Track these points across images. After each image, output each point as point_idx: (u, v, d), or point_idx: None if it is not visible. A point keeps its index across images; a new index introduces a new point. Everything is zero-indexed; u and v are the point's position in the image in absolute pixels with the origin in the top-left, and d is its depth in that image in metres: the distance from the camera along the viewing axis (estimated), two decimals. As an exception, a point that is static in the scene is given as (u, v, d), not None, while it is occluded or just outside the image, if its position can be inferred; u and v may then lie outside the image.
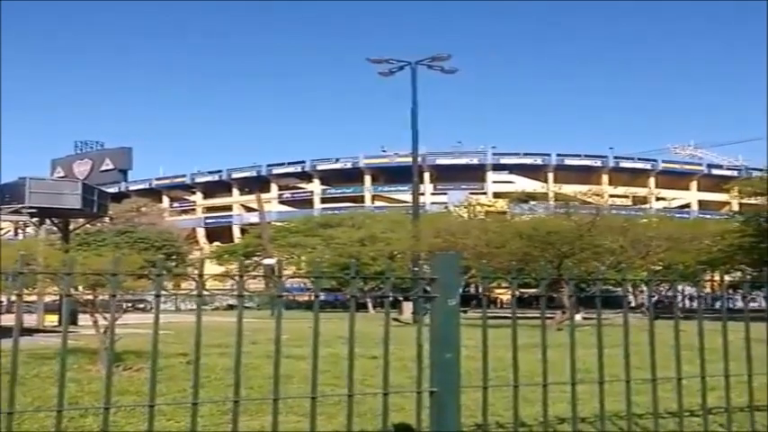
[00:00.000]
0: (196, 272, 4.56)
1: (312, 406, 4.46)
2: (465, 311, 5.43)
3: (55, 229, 39.82)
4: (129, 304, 15.78)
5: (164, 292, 4.46)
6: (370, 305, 51.20)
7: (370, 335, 9.11)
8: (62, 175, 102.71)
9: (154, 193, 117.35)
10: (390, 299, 5.02)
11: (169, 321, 23.60)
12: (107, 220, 67.21)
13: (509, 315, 5.37)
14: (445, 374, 4.56)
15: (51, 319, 31.88)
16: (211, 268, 71.49)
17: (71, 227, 41.35)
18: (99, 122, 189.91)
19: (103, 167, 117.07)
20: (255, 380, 10.67)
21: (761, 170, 59.90)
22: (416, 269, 38.77)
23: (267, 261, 66.13)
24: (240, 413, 4.91)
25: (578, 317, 31.30)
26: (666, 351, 5.55)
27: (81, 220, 44.07)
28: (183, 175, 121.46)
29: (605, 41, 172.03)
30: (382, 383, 4.67)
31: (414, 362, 4.71)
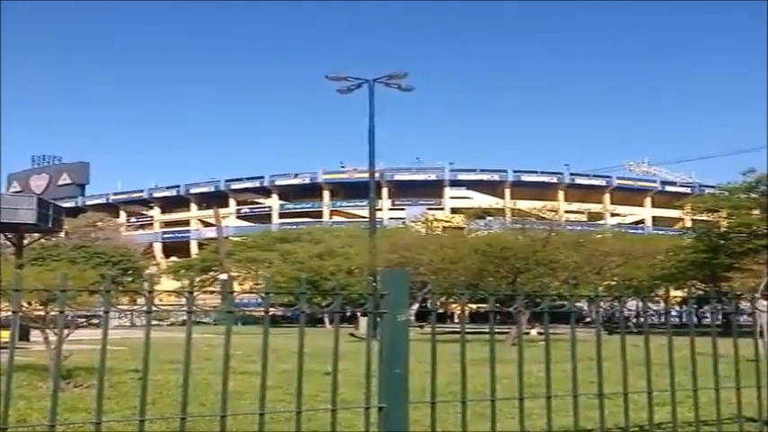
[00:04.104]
0: (155, 288, 4.54)
1: (260, 422, 4.44)
2: (422, 326, 5.45)
3: (8, 243, 39.37)
4: (83, 320, 15.60)
5: (112, 308, 4.42)
6: (327, 320, 51.04)
7: (325, 350, 9.10)
8: (18, 189, 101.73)
9: (111, 208, 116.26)
10: (343, 314, 5.04)
11: (125, 337, 23.48)
12: (62, 234, 66.44)
13: (466, 330, 5.40)
14: (394, 390, 4.56)
15: (4, 335, 31.39)
16: (168, 283, 70.88)
17: (25, 241, 40.92)
18: (57, 137, 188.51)
19: (60, 182, 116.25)
20: (207, 396, 10.60)
21: (713, 187, 60.79)
22: (373, 284, 38.79)
23: (222, 276, 65.77)
24: (191, 429, 4.86)
25: (534, 332, 31.62)
26: (620, 366, 5.60)
27: (36, 234, 43.62)
28: (141, 191, 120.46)
29: (560, 58, 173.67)
30: (332, 400, 4.67)
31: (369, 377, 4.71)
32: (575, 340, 5.35)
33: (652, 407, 5.58)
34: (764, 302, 6.95)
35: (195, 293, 4.56)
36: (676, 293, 36.31)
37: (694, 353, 5.71)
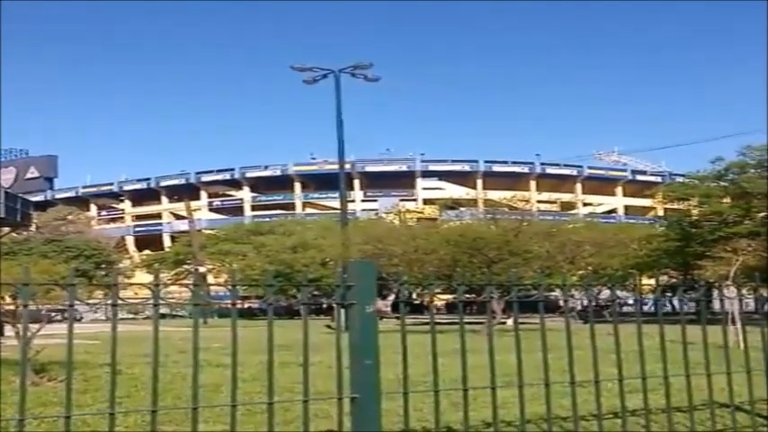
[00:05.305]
0: (125, 281, 4.54)
1: (232, 414, 4.46)
2: (399, 317, 5.46)
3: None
4: (55, 314, 15.63)
5: (79, 302, 4.42)
6: (302, 312, 50.88)
7: (302, 342, 9.11)
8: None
9: (81, 202, 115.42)
10: (320, 306, 5.05)
11: (99, 331, 23.34)
12: (32, 228, 65.86)
13: (440, 321, 5.43)
14: (365, 381, 4.58)
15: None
16: (143, 277, 70.53)
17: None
18: (23, 130, 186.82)
19: (28, 175, 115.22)
20: (183, 390, 10.55)
21: (683, 176, 61.22)
22: (344, 276, 38.86)
23: (193, 270, 65.59)
24: (166, 422, 4.85)
25: (510, 321, 31.74)
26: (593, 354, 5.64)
27: (5, 228, 43.27)
28: (111, 183, 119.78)
29: (529, 49, 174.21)
30: (304, 391, 4.70)
31: (343, 369, 4.73)
32: (544, 329, 5.39)
33: (624, 394, 5.63)
34: (734, 290, 7.01)
35: (161, 286, 4.54)
36: (650, 282, 36.58)
37: (664, 340, 5.76)
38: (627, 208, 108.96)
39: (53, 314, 15.35)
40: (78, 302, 4.52)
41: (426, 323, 5.03)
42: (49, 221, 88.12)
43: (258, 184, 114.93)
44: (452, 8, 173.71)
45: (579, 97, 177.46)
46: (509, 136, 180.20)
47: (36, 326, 12.19)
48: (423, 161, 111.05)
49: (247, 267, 63.28)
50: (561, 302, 6.06)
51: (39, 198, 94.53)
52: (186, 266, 74.20)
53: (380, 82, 45.22)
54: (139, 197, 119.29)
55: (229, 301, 5.03)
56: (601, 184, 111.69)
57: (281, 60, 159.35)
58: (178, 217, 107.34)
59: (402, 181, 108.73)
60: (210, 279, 67.24)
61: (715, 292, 7.08)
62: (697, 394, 5.95)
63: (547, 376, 5.29)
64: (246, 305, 64.88)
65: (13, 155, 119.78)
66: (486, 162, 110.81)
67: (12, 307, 13.70)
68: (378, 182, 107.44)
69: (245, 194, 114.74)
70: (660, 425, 6.50)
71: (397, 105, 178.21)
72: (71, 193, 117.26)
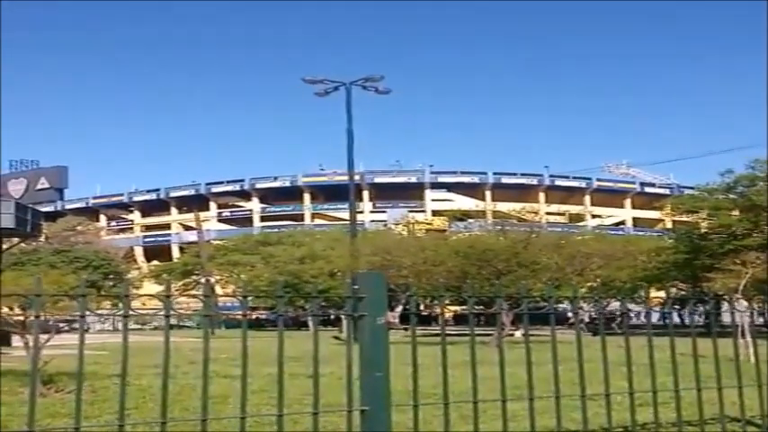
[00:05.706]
0: (134, 291, 4.53)
1: (241, 426, 4.43)
2: (407, 329, 5.44)
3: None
4: (64, 324, 15.62)
5: (89, 313, 4.40)
6: (311, 323, 50.88)
7: (310, 353, 9.08)
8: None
9: (91, 212, 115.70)
10: (324, 317, 5.04)
11: (106, 341, 23.37)
12: (42, 239, 66.02)
13: (449, 332, 5.41)
14: (375, 392, 4.55)
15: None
16: (151, 288, 70.58)
17: (4, 246, 40.66)
18: (34, 141, 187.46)
19: (39, 186, 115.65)
20: (192, 401, 10.56)
21: (691, 188, 61.10)
22: (354, 287, 38.86)
23: (203, 280, 65.64)
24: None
25: (518, 333, 31.68)
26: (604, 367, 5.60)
27: (15, 239, 43.34)
28: (121, 194, 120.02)
29: (539, 61, 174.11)
30: (313, 403, 4.67)
31: (354, 380, 4.70)
32: (555, 341, 5.36)
33: (634, 407, 5.59)
34: (744, 303, 6.96)
35: (172, 297, 4.51)
36: (659, 294, 36.43)
37: (674, 353, 5.72)
38: (635, 220, 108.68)
39: (62, 325, 15.35)
40: (89, 313, 4.49)
41: (434, 334, 5.01)
42: (59, 232, 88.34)
43: (267, 195, 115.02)
44: (459, 20, 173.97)
45: (588, 109, 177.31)
46: (519, 147, 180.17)
47: (45, 336, 12.19)
48: (432, 173, 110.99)
49: (255, 278, 63.32)
50: (570, 314, 6.03)
51: (49, 209, 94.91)
52: (195, 277, 74.24)
53: (387, 93, 45.44)
54: (149, 208, 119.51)
55: (239, 312, 5.00)
56: (609, 197, 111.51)
57: (290, 71, 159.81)
58: (187, 228, 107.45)
59: (411, 192, 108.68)
60: (219, 290, 67.29)
61: (724, 305, 7.04)
62: (708, 408, 5.91)
63: (557, 389, 5.26)
64: (254, 316, 64.89)
65: (23, 166, 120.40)
66: (495, 174, 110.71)
67: (21, 317, 13.71)
68: (387, 193, 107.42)
69: (255, 205, 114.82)
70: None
71: (405, 116, 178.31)
72: (81, 204, 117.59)
